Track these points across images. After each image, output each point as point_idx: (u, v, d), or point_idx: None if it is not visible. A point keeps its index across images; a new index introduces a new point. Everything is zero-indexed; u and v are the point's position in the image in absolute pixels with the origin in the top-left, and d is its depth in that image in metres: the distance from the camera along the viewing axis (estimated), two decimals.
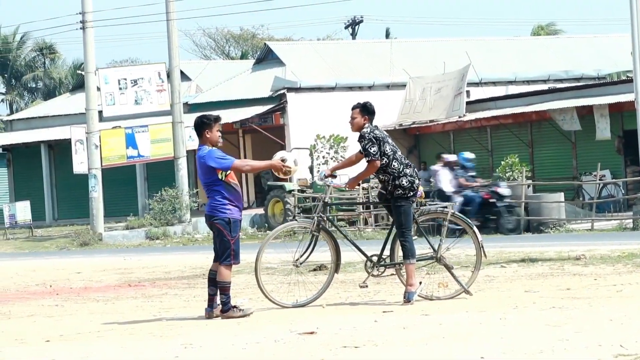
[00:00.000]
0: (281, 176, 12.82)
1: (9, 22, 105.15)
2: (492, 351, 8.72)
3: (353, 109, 12.93)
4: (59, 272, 22.00)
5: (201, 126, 12.42)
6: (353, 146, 30.16)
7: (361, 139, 12.71)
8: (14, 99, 78.31)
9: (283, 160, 12.37)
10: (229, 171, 12.20)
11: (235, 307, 12.20)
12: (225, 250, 12.31)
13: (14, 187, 47.82)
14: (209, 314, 12.23)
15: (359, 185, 14.34)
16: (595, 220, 29.12)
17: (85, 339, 11.20)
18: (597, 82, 39.64)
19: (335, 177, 13.43)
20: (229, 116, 40.37)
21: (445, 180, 26.93)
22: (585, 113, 33.47)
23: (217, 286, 12.24)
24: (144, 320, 12.61)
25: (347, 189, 13.72)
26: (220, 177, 12.18)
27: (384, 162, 12.64)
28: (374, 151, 12.62)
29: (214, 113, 13.09)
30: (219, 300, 12.26)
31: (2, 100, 79.22)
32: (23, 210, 41.65)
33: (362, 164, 13.00)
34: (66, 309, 14.66)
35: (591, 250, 18.54)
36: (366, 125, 12.76)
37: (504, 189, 27.80)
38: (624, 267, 15.58)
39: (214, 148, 12.31)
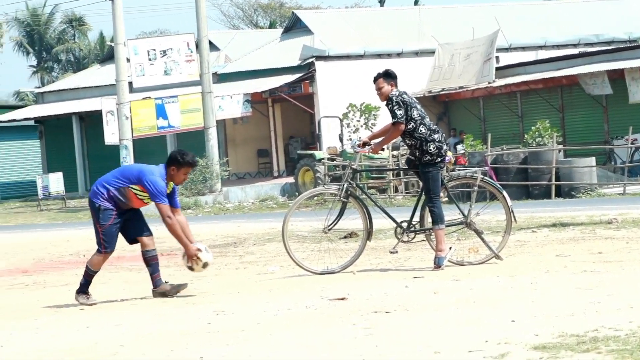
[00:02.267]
0: (191, 265, 11.95)
1: None
2: (523, 315, 8.74)
3: (375, 80, 12.87)
4: (92, 242, 21.96)
5: (172, 161, 11.83)
6: (384, 115, 30.10)
7: (389, 102, 12.66)
8: (45, 71, 78.57)
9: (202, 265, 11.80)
10: (148, 200, 11.81)
11: (86, 294, 11.77)
12: (97, 237, 11.99)
13: (47, 158, 48.08)
14: (154, 292, 11.89)
15: (382, 150, 14.29)
16: (628, 184, 29.04)
17: (120, 306, 11.30)
18: (629, 45, 39.37)
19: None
20: (258, 85, 40.50)
21: None
22: (617, 77, 33.32)
23: (150, 265, 11.93)
24: None
25: (370, 153, 13.67)
26: (135, 191, 11.78)
27: (410, 126, 12.60)
28: (400, 114, 12.58)
29: (195, 159, 12.38)
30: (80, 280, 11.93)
31: (35, 72, 79.48)
32: (56, 182, 41.86)
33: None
34: (100, 278, 14.69)
35: (623, 214, 18.48)
36: (394, 90, 12.75)
37: None
38: None
39: (169, 183, 11.80)
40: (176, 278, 14.05)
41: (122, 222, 11.98)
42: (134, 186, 11.76)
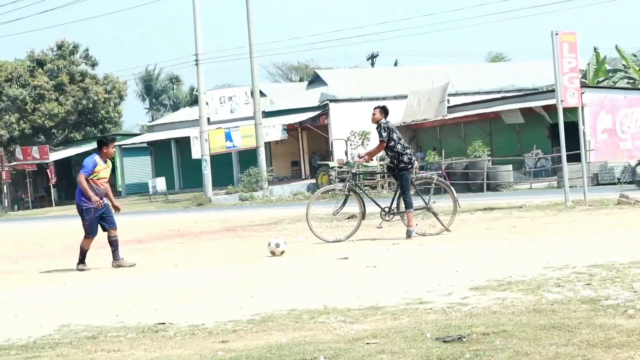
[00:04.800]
0: (275, 254, 11.30)
1: (152, 61, 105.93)
2: (463, 267, 8.72)
3: (375, 108, 12.91)
4: (184, 222, 22.19)
5: (100, 143, 11.61)
6: (374, 138, 29.92)
7: (379, 127, 12.70)
8: (154, 111, 78.94)
9: (277, 245, 11.33)
10: (91, 175, 11.33)
11: (84, 264, 11.45)
12: (84, 228, 11.54)
13: (155, 168, 48.18)
14: (112, 264, 11.55)
15: (371, 160, 14.30)
16: (533, 182, 28.97)
17: (199, 264, 11.31)
18: (533, 91, 39.26)
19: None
20: (291, 119, 40.50)
21: None
22: (526, 112, 33.23)
23: (113, 245, 11.56)
24: (237, 252, 12.69)
25: (364, 162, 13.69)
26: (92, 177, 11.35)
27: (391, 144, 12.61)
28: (384, 136, 12.61)
29: (111, 134, 12.12)
30: (78, 257, 11.58)
31: (148, 111, 79.99)
32: (161, 183, 42.07)
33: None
34: (188, 246, 14.78)
35: (530, 201, 18.44)
36: (382, 119, 12.75)
37: None
38: (551, 212, 15.47)
39: (96, 158, 11.42)
40: (237, 246, 14.04)
41: (99, 217, 11.54)
42: (90, 176, 11.42)
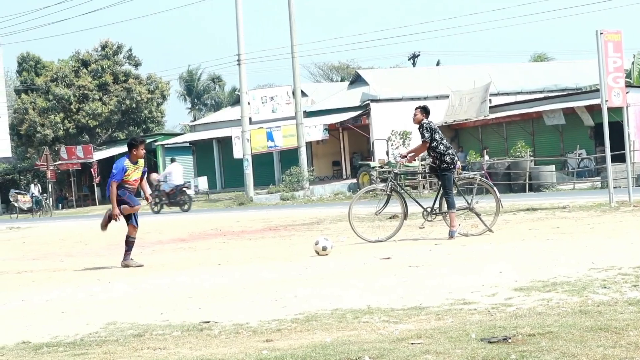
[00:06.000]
0: (319, 254, 11.25)
1: (193, 61, 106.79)
2: (507, 268, 8.65)
3: (416, 108, 12.87)
4: (225, 221, 22.24)
5: (130, 145, 11.63)
6: (415, 138, 29.86)
7: (421, 127, 12.65)
8: (196, 111, 79.48)
9: (324, 249, 11.24)
10: (122, 178, 11.48)
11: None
12: (124, 211, 11.58)
13: (197, 167, 48.51)
14: (121, 263, 11.66)
15: (414, 160, 14.04)
16: (576, 183, 28.65)
17: (242, 263, 11.36)
18: (576, 91, 38.82)
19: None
20: (332, 119, 40.50)
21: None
22: (569, 112, 32.87)
23: (128, 244, 11.66)
24: (279, 252, 12.72)
25: (407, 162, 13.69)
26: (124, 178, 11.51)
27: (434, 144, 12.57)
28: (427, 136, 12.56)
29: (141, 135, 12.21)
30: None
31: (190, 111, 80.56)
32: (203, 183, 42.25)
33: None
34: (230, 245, 14.85)
35: (573, 202, 18.23)
36: (425, 120, 12.71)
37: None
38: (595, 213, 15.29)
39: (125, 163, 11.52)
40: (279, 245, 14.07)
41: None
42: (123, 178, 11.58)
